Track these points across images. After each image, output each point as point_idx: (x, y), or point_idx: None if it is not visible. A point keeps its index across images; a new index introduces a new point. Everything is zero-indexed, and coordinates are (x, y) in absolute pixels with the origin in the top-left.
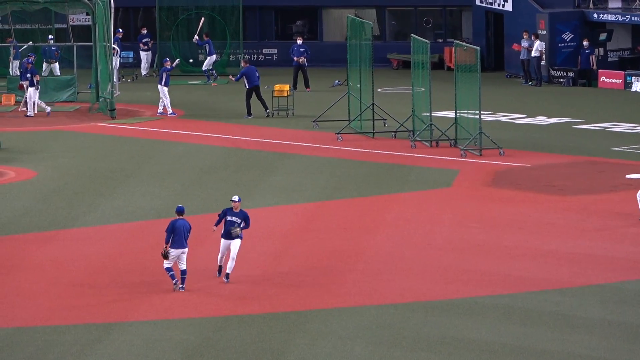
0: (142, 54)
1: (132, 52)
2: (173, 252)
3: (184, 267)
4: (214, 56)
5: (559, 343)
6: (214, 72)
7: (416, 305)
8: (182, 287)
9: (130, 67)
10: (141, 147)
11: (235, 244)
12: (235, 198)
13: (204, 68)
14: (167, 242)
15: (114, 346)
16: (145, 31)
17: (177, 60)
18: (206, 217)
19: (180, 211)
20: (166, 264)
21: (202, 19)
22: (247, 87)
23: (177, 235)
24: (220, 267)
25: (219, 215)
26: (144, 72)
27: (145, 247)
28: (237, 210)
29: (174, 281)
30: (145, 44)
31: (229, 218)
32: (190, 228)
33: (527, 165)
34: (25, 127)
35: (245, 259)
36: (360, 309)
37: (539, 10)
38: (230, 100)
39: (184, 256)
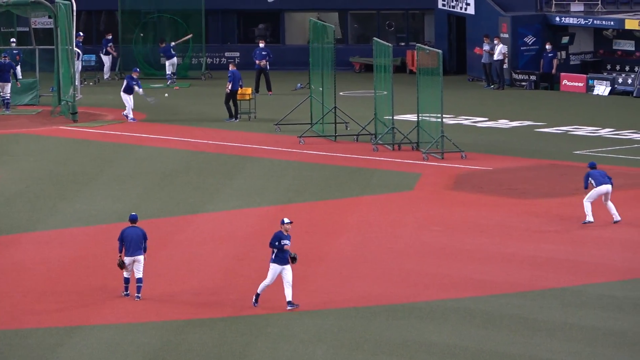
0: (105, 58)
1: (94, 56)
2: (127, 259)
3: (140, 275)
4: (175, 59)
5: (521, 346)
6: (175, 75)
7: (378, 308)
8: (139, 297)
9: (92, 70)
10: (103, 151)
11: (290, 269)
12: (287, 220)
13: (169, 72)
14: (120, 251)
15: (75, 350)
16: (111, 36)
17: (151, 100)
18: (168, 221)
19: (132, 219)
20: (125, 273)
21: (190, 35)
22: (230, 90)
23: (128, 243)
24: (258, 295)
25: (272, 243)
26: (106, 75)
27: (107, 251)
28: (287, 234)
29: (125, 292)
30: (111, 47)
31: (283, 242)
32: (144, 235)
33: (489, 168)
34: None
35: (206, 263)
36: (321, 312)
37: (501, 13)
38: (192, 103)
39: (140, 265)
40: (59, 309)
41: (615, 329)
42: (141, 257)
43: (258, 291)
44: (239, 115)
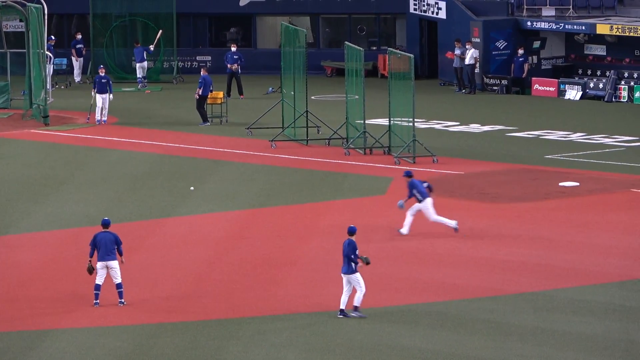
0: (75, 61)
1: (65, 59)
2: (99, 264)
3: (118, 280)
4: (145, 62)
5: (492, 350)
6: (145, 79)
7: (350, 312)
8: (122, 302)
9: (63, 73)
10: (75, 154)
11: (358, 275)
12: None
13: (140, 75)
14: (90, 256)
15: (47, 353)
16: (80, 36)
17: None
18: (139, 225)
19: (104, 224)
20: (97, 279)
21: (160, 31)
22: (201, 95)
23: (100, 248)
24: (342, 310)
25: (350, 252)
26: (77, 78)
27: (79, 254)
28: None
29: (95, 301)
30: (79, 50)
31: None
32: (117, 239)
33: (460, 172)
34: None
35: (178, 266)
36: (293, 316)
37: (473, 18)
38: (164, 107)
39: (115, 271)
40: (31, 313)
41: (587, 334)
42: (114, 263)
43: (342, 306)
44: (210, 119)
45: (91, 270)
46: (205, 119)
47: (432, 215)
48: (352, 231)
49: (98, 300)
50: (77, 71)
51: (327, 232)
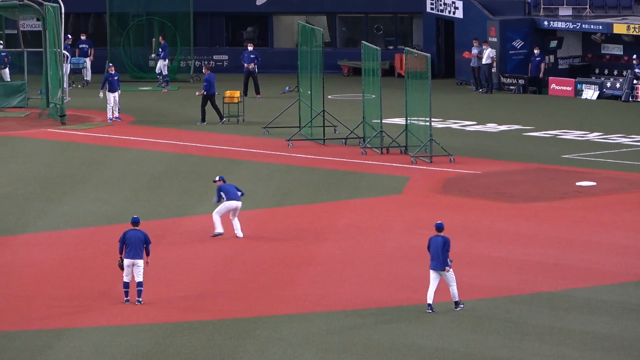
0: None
1: (82, 58)
2: (127, 261)
3: (140, 279)
4: (167, 61)
5: (509, 350)
6: (168, 77)
7: (366, 312)
8: (140, 301)
9: (80, 73)
10: (91, 153)
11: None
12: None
13: (158, 72)
14: (120, 252)
15: (63, 352)
16: (84, 37)
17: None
18: (156, 224)
19: (134, 222)
20: (124, 277)
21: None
22: (205, 93)
23: (129, 245)
24: (430, 305)
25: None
26: (87, 77)
27: (95, 253)
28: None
29: (125, 298)
30: (83, 50)
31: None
32: (146, 238)
33: (477, 172)
34: None
35: (194, 266)
36: (310, 315)
37: (490, 17)
38: (181, 106)
39: (139, 269)
40: (47, 312)
41: (604, 333)
42: (140, 262)
43: (429, 301)
44: (227, 118)
45: (121, 265)
46: (203, 119)
47: (219, 213)
48: (441, 227)
49: (129, 298)
50: (86, 71)
51: (344, 231)
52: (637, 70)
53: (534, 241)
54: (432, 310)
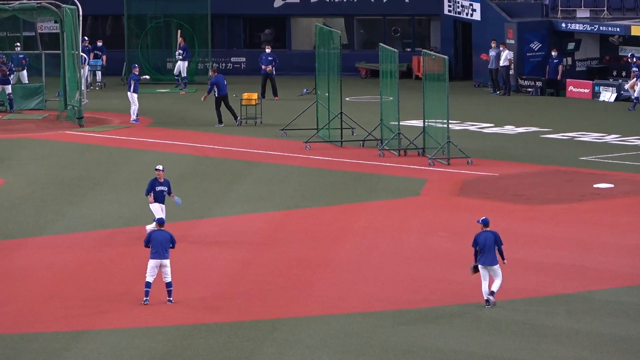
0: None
1: (100, 60)
2: (153, 262)
3: (168, 279)
4: (187, 62)
5: (527, 352)
6: (186, 79)
7: (384, 314)
8: (171, 300)
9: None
10: (109, 155)
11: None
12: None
13: (176, 73)
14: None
15: (81, 354)
16: (101, 43)
17: (147, 76)
18: (174, 226)
19: (159, 222)
20: (148, 277)
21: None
22: (216, 95)
23: (154, 246)
24: (487, 299)
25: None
26: (99, 80)
27: (113, 256)
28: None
29: (145, 298)
30: (97, 55)
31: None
32: (172, 238)
33: (495, 174)
34: None
35: (212, 268)
36: (328, 317)
37: (507, 19)
38: (198, 108)
39: (166, 269)
40: (65, 314)
41: (622, 335)
42: (167, 262)
43: (485, 296)
44: (244, 120)
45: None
46: (220, 121)
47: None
48: (487, 222)
49: (148, 298)
50: (99, 75)
51: (361, 233)
52: (634, 69)
53: (551, 243)
54: (490, 304)
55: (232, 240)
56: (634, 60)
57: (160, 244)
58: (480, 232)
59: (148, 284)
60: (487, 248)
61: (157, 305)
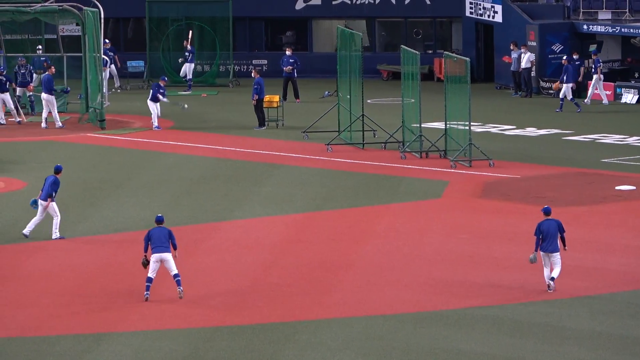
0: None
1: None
2: (154, 257)
3: (174, 272)
4: (193, 64)
5: (549, 354)
6: (191, 81)
7: (405, 316)
8: (180, 289)
9: (121, 77)
10: (131, 158)
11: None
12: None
13: (182, 75)
14: (145, 251)
15: (103, 357)
16: (109, 45)
17: (185, 106)
18: (195, 228)
19: (158, 220)
20: (149, 273)
21: (190, 31)
22: (259, 97)
23: (154, 242)
24: (549, 285)
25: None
26: (117, 83)
27: (135, 258)
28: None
29: (146, 293)
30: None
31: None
32: (170, 233)
33: (516, 176)
34: (15, 137)
35: (234, 270)
36: (349, 320)
37: (529, 21)
38: (220, 111)
39: (169, 263)
40: (87, 316)
41: None
42: (167, 255)
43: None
44: (266, 123)
45: (145, 263)
46: (262, 123)
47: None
48: (549, 211)
49: (148, 292)
50: (116, 78)
51: (383, 235)
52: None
53: (573, 245)
54: (551, 289)
55: (253, 243)
56: None
57: (158, 239)
58: (543, 221)
59: (149, 279)
60: (550, 235)
61: (179, 307)
